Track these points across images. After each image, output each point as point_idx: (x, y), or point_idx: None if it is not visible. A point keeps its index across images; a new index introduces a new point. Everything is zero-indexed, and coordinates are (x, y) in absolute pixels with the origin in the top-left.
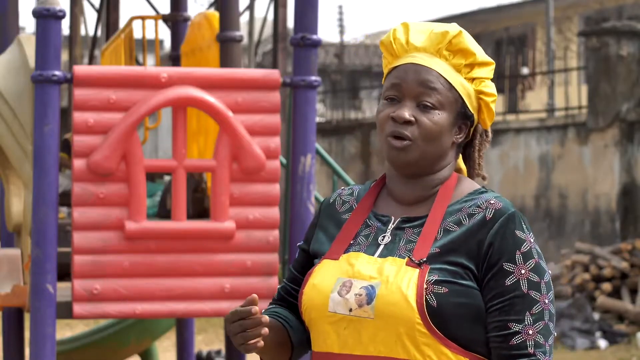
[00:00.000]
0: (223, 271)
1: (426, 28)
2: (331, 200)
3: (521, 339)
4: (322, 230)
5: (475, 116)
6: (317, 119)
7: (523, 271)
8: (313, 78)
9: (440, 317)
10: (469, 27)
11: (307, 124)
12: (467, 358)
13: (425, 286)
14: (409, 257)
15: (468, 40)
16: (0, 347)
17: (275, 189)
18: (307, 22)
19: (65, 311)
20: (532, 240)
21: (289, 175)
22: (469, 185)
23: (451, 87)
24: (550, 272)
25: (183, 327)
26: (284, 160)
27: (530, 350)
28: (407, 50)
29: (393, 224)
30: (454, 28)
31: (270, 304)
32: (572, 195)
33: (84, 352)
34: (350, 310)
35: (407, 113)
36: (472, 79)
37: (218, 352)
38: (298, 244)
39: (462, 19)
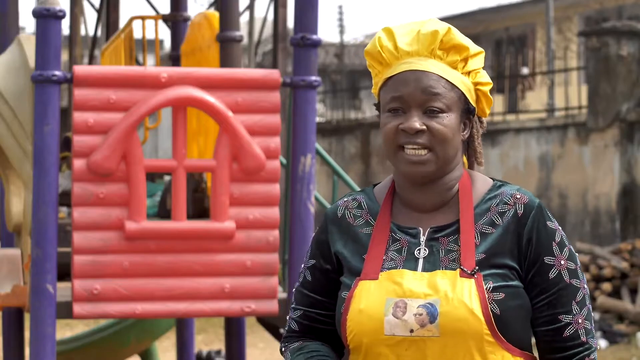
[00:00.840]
0: (223, 271)
1: (411, 30)
2: (339, 214)
3: (573, 329)
4: (340, 243)
5: (476, 108)
6: (317, 119)
7: (562, 262)
8: (313, 78)
9: (503, 324)
10: (469, 27)
11: (307, 124)
12: (522, 357)
13: (486, 295)
14: (460, 267)
15: (458, 35)
16: (0, 347)
17: (275, 189)
18: (307, 22)
19: (65, 311)
20: (560, 228)
21: (289, 175)
22: (484, 180)
23: (452, 86)
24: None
25: (183, 327)
26: (284, 160)
27: (583, 338)
28: (398, 57)
29: (424, 235)
30: (441, 26)
31: (289, 337)
32: (572, 195)
33: (84, 352)
34: (412, 331)
35: (417, 123)
36: (468, 72)
37: (218, 352)
38: (305, 265)
39: (462, 19)
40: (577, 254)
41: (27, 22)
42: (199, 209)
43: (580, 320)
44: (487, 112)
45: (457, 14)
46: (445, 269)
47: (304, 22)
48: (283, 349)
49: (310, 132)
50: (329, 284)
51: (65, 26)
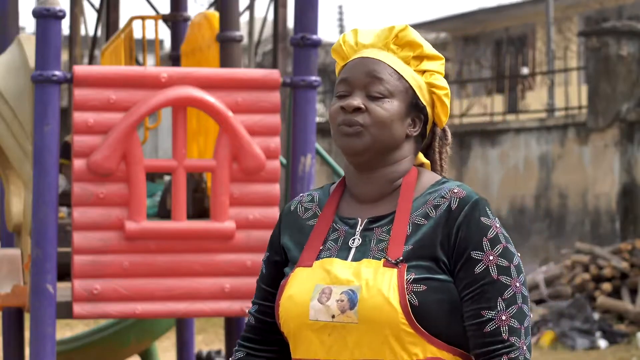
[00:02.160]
0: (223, 271)
1: (374, 29)
2: (292, 208)
3: (495, 325)
4: (286, 236)
5: (430, 111)
6: (317, 119)
7: (491, 257)
8: (313, 78)
9: (422, 315)
10: (469, 27)
11: (307, 124)
12: (450, 352)
13: (405, 286)
14: (384, 257)
15: (414, 34)
16: (0, 347)
17: (275, 189)
18: (307, 22)
19: (65, 311)
20: (497, 225)
21: (289, 175)
22: (430, 176)
23: (400, 77)
24: (519, 255)
25: (183, 327)
26: (284, 160)
27: (505, 336)
28: (356, 50)
29: (361, 225)
30: (400, 24)
31: (245, 335)
32: (572, 195)
33: (84, 352)
34: (333, 316)
35: (356, 101)
36: (422, 72)
37: (218, 352)
38: (264, 258)
39: (462, 19)
40: (518, 255)
41: (27, 22)
42: (199, 209)
43: (504, 317)
44: (444, 120)
45: (457, 14)
46: (372, 258)
47: (304, 22)
48: (233, 353)
49: (310, 132)
50: (278, 276)
51: (65, 26)
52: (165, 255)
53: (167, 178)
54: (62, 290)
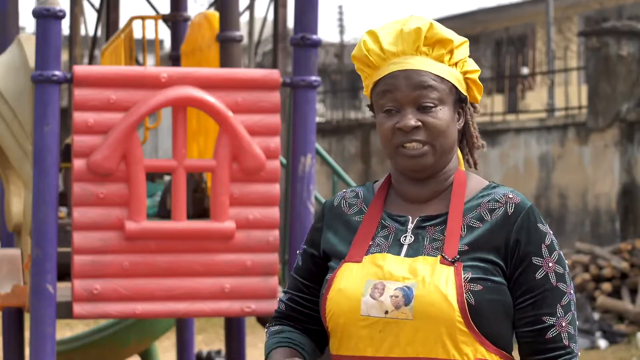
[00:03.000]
0: (223, 271)
1: (394, 30)
2: (335, 203)
3: (556, 332)
4: (331, 231)
5: (467, 96)
6: (317, 119)
7: (550, 264)
8: (313, 78)
9: (477, 315)
10: (469, 27)
11: (307, 124)
12: (497, 355)
13: (462, 284)
14: (441, 254)
15: (440, 29)
16: (0, 347)
17: (275, 189)
18: (307, 22)
19: (65, 311)
20: (551, 232)
21: (289, 175)
22: (479, 180)
23: (442, 79)
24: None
25: (183, 327)
26: (284, 160)
27: (565, 342)
28: (385, 58)
29: (412, 223)
30: (423, 22)
31: (276, 318)
32: (572, 195)
33: (84, 352)
34: (387, 312)
35: (412, 120)
36: (455, 63)
37: (218, 352)
38: (299, 250)
39: (462, 19)
40: (566, 261)
41: (27, 22)
42: (199, 209)
43: (564, 324)
44: (479, 97)
45: (457, 14)
46: (427, 256)
47: (304, 22)
48: (266, 329)
49: (310, 132)
50: (316, 269)
51: (65, 26)
52: (165, 255)
53: (167, 178)
54: (62, 290)
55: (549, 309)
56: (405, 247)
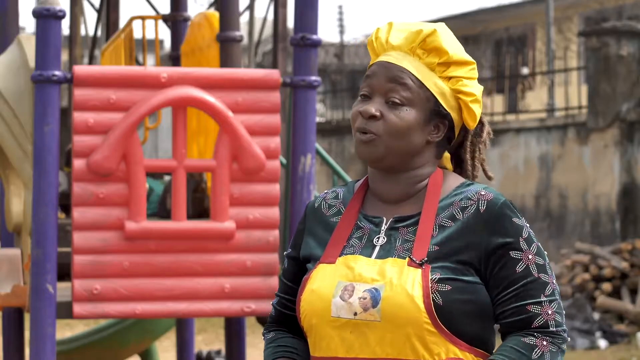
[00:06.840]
0: (223, 271)
1: (407, 27)
2: (316, 205)
3: (543, 320)
4: (310, 234)
5: (456, 116)
6: (317, 119)
7: (530, 256)
8: (313, 78)
9: (446, 315)
10: (469, 27)
11: (307, 124)
12: (472, 353)
13: (429, 285)
14: (409, 257)
15: (443, 39)
16: (0, 347)
17: (275, 189)
18: (307, 22)
19: (65, 311)
20: (527, 225)
21: (289, 175)
22: (455, 179)
23: (422, 85)
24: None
25: (183, 327)
26: (284, 160)
27: (553, 329)
28: (385, 48)
29: (386, 224)
30: (429, 27)
31: (270, 323)
32: (572, 195)
33: (84, 352)
34: (355, 314)
35: (372, 108)
36: (448, 78)
37: (218, 352)
38: (286, 252)
39: (462, 19)
40: (545, 252)
41: (27, 22)
42: (199, 209)
43: (550, 312)
44: (472, 124)
45: (457, 14)
46: (397, 257)
47: (304, 22)
48: (263, 337)
49: (310, 132)
50: (299, 271)
51: (65, 26)
52: (165, 255)
53: (167, 178)
54: (62, 290)
55: (533, 299)
56: (377, 249)
